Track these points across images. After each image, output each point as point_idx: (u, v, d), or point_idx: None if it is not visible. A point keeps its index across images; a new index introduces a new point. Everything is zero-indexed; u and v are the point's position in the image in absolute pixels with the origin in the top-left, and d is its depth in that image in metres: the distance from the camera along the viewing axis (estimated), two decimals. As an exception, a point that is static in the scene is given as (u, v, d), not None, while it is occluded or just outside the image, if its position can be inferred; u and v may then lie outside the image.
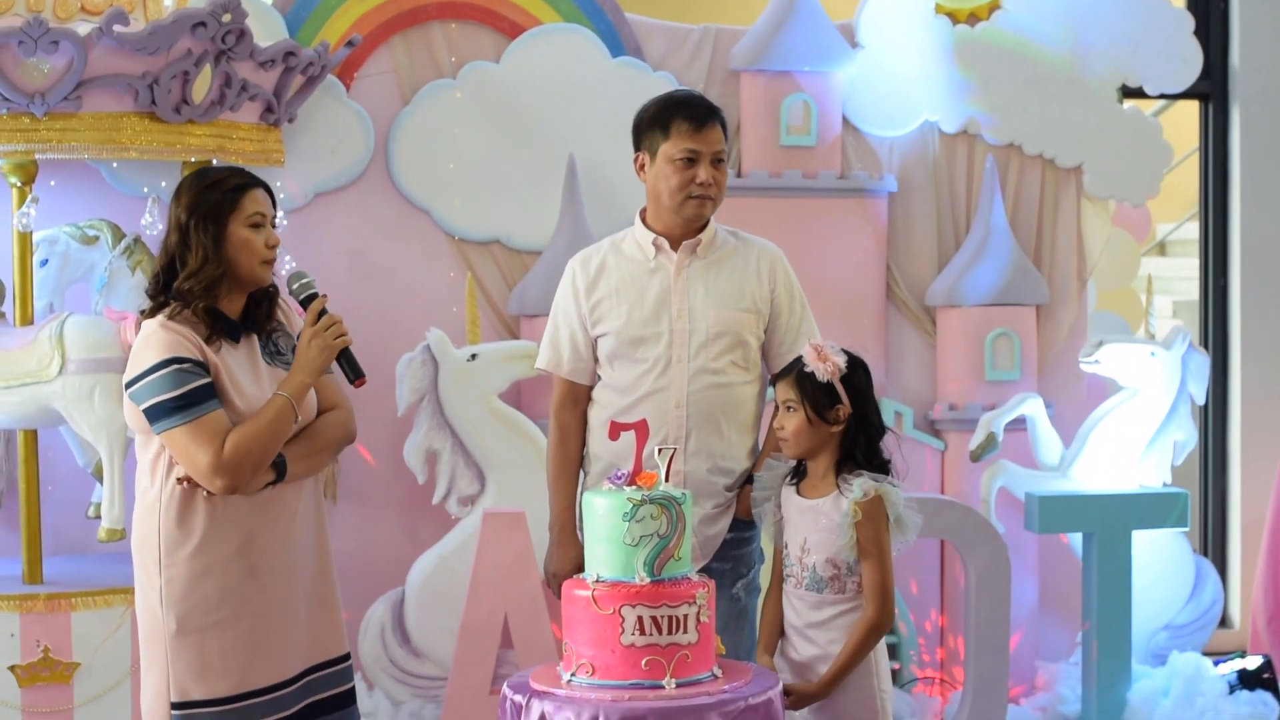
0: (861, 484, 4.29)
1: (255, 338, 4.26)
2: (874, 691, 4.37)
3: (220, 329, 4.15)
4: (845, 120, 6.96)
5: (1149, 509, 6.67)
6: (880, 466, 4.37)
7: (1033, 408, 6.73)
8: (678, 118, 4.58)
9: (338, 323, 4.20)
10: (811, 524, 4.34)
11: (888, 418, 6.82)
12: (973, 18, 7.07)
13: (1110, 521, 6.59)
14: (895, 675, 6.86)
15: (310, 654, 4.28)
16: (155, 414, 4.06)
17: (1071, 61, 7.10)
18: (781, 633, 4.44)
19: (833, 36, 6.87)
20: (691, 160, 4.57)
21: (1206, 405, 7.49)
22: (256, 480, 4.12)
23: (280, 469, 4.15)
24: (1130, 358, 6.78)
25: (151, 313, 4.19)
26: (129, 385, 4.12)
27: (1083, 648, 6.71)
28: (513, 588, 6.01)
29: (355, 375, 4.25)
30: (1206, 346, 7.94)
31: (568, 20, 6.80)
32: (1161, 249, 11.55)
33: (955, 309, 6.95)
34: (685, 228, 4.64)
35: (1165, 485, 6.85)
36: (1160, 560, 6.92)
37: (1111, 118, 7.16)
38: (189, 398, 4.04)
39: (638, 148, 4.67)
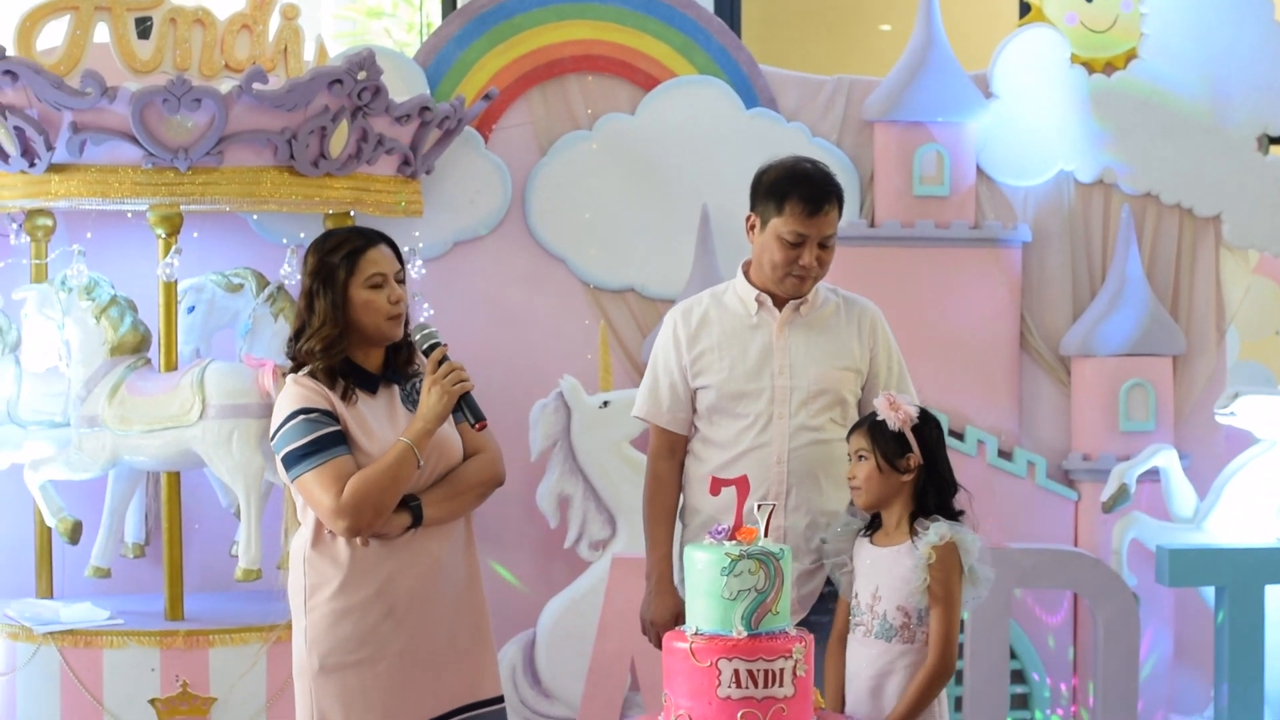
0: (938, 529, 4.32)
1: (395, 387, 4.38)
2: None
3: (355, 381, 4.30)
4: (979, 170, 6.98)
5: (1284, 563, 6.57)
6: (953, 518, 4.40)
7: (1166, 459, 6.67)
8: (793, 197, 4.57)
9: (458, 369, 4.30)
10: (885, 572, 4.38)
11: (1020, 468, 6.85)
12: (1109, 67, 7.07)
13: (1243, 576, 6.49)
14: (1025, 726, 6.86)
15: (458, 695, 4.38)
16: (288, 462, 4.23)
17: (1210, 111, 7.05)
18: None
19: (966, 87, 6.90)
20: (799, 242, 4.59)
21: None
22: (393, 525, 4.24)
23: (417, 513, 4.27)
24: (1267, 410, 6.68)
25: (292, 370, 4.36)
26: (271, 439, 4.30)
27: (1214, 703, 6.62)
28: (640, 632, 6.08)
29: (476, 419, 4.35)
30: (1361, 394, 7.80)
31: (702, 72, 6.91)
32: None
33: (1090, 359, 6.93)
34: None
35: (1304, 539, 6.75)
36: (1298, 615, 6.82)
37: (1251, 167, 7.09)
38: (316, 444, 4.20)
39: (752, 207, 4.70)
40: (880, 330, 4.74)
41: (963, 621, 6.56)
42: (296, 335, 4.35)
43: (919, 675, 4.34)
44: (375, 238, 4.37)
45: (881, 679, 4.37)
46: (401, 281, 4.37)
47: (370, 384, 4.33)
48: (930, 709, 4.36)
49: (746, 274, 4.75)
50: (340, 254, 4.30)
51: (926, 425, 4.42)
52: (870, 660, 4.39)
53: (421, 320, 4.46)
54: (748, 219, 4.73)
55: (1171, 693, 6.95)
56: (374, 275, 4.30)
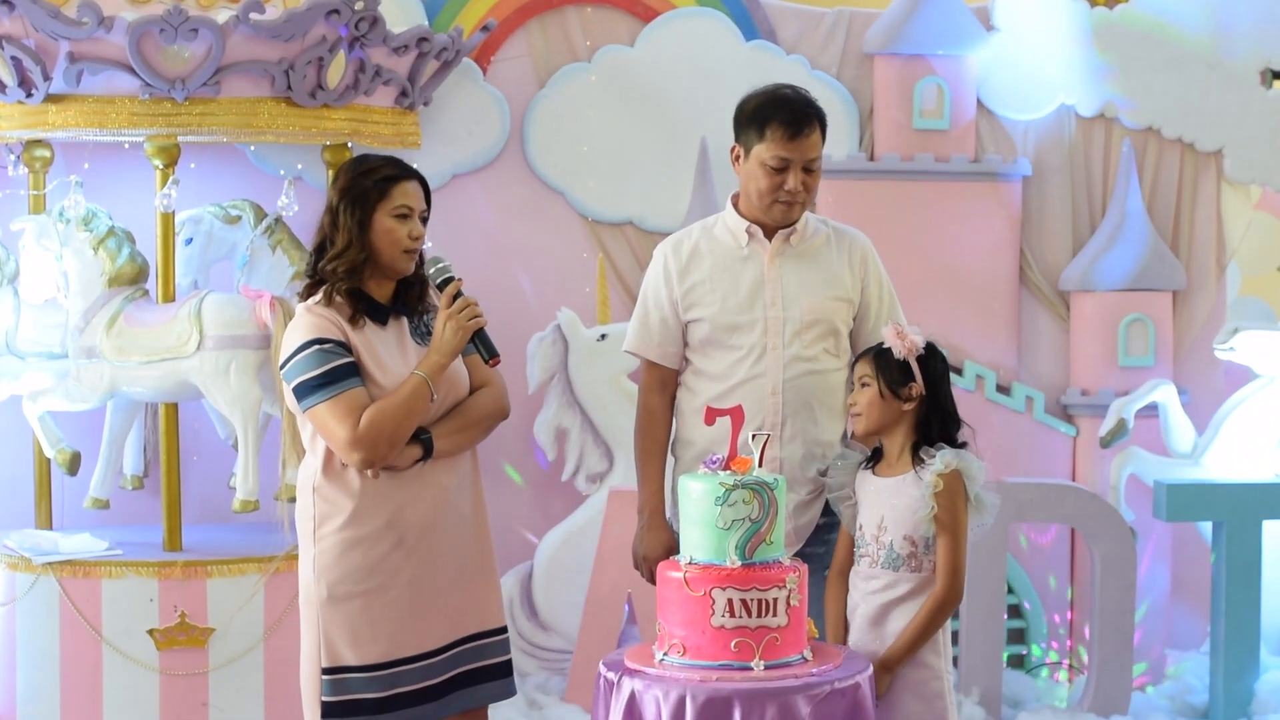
0: (943, 456, 4.31)
1: (404, 319, 4.38)
2: (939, 671, 4.38)
3: (365, 310, 4.29)
4: (980, 103, 6.96)
5: (1281, 499, 6.59)
6: (956, 449, 4.39)
7: (1165, 394, 6.67)
8: (774, 121, 4.54)
9: (472, 305, 4.30)
10: (891, 501, 4.37)
11: (1019, 402, 6.84)
12: (1112, 0, 7.02)
13: (1240, 511, 6.50)
14: (1022, 660, 6.87)
15: (463, 625, 4.39)
16: (301, 392, 4.23)
17: (1213, 44, 7.02)
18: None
19: (967, 19, 6.87)
20: (782, 167, 4.57)
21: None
22: (404, 457, 4.25)
23: (427, 446, 4.28)
24: (1266, 345, 6.68)
25: (305, 295, 4.35)
26: (281, 368, 4.30)
27: (1211, 637, 6.64)
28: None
29: (490, 355, 4.36)
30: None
31: (702, 4, 6.89)
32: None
33: (1089, 294, 6.92)
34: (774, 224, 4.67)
35: (1302, 475, 6.76)
36: (1294, 550, 6.84)
37: (1254, 101, 7.07)
38: (330, 375, 4.19)
39: (736, 138, 4.68)
40: (871, 261, 4.72)
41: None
42: (318, 251, 4.34)
43: (927, 602, 4.33)
44: (411, 173, 4.38)
45: (887, 608, 4.37)
46: (424, 221, 4.37)
47: (380, 315, 4.33)
48: (934, 637, 4.37)
49: (735, 206, 4.72)
50: (375, 178, 4.30)
51: (932, 358, 4.40)
52: (877, 590, 4.39)
53: (435, 254, 4.43)
54: (732, 150, 4.69)
55: (1169, 628, 6.96)
56: (402, 206, 4.30)
